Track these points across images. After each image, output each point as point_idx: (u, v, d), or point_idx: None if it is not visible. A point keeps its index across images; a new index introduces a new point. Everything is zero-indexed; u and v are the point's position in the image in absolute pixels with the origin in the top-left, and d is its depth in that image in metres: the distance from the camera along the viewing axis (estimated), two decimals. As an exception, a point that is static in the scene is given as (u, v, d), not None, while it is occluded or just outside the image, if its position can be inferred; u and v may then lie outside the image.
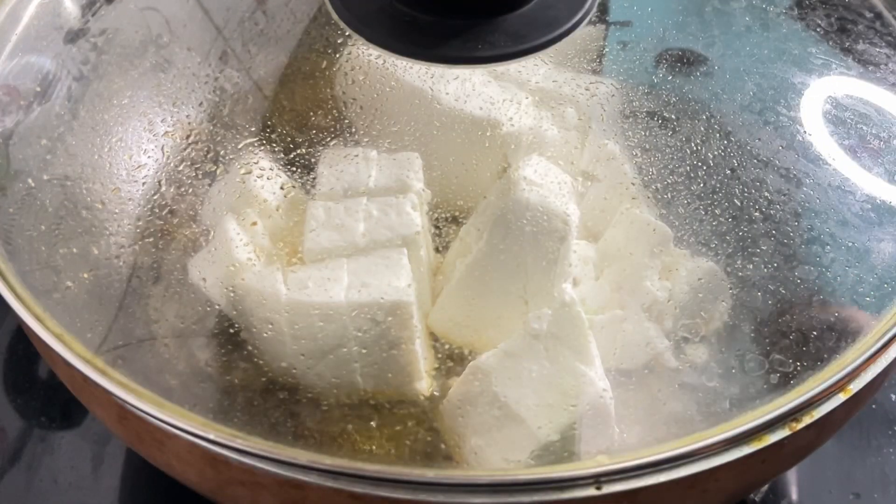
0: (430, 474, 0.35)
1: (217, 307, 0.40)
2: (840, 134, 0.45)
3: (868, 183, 0.44)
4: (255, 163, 0.43)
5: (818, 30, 0.50)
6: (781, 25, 0.50)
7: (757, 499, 0.52)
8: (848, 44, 0.49)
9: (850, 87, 0.48)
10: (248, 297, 0.40)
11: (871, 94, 0.47)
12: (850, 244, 0.42)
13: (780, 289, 0.41)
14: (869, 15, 0.51)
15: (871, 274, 0.42)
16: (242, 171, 0.43)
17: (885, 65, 0.48)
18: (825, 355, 0.39)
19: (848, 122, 0.46)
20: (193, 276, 0.41)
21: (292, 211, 0.43)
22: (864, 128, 0.46)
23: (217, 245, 0.41)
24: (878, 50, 0.49)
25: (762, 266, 0.42)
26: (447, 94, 0.44)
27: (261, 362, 0.39)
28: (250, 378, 0.39)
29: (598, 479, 0.35)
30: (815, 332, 0.40)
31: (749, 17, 0.50)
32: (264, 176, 0.43)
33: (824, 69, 0.48)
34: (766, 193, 0.43)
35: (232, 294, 0.40)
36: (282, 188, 0.43)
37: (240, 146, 0.45)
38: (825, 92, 0.47)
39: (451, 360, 0.41)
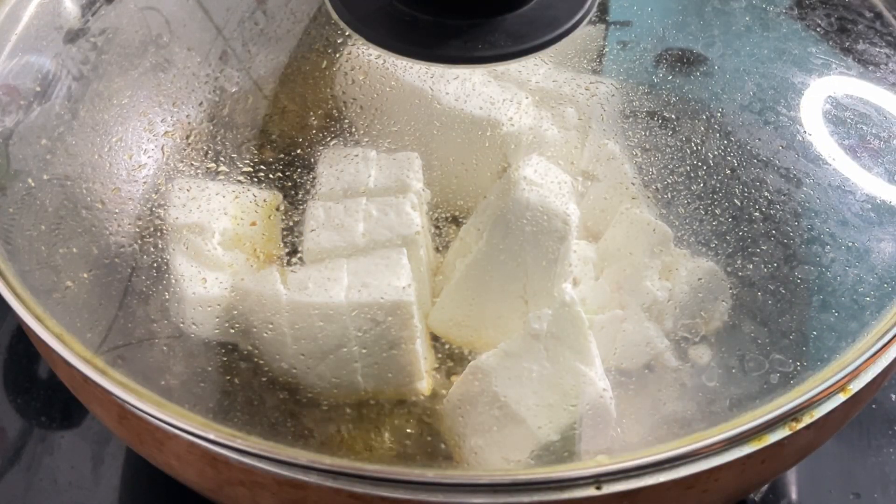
0: (430, 474, 0.35)
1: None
2: (840, 134, 0.45)
3: (868, 183, 0.44)
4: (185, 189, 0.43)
5: (818, 30, 0.50)
6: (781, 25, 0.50)
7: (757, 499, 0.52)
8: (848, 44, 0.49)
9: (850, 87, 0.48)
10: (247, 298, 0.40)
11: (871, 94, 0.47)
12: (850, 244, 0.42)
13: (780, 289, 0.41)
14: (869, 15, 0.51)
15: (871, 274, 0.42)
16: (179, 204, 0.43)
17: (885, 65, 0.48)
18: (825, 355, 0.39)
19: (848, 122, 0.46)
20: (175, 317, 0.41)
21: (248, 214, 0.42)
22: (864, 128, 0.46)
23: (174, 282, 0.41)
24: (878, 50, 0.49)
25: (762, 266, 0.41)
26: (447, 93, 0.44)
27: (261, 362, 0.39)
28: (250, 378, 0.39)
29: (598, 479, 0.35)
30: (815, 332, 0.40)
31: (749, 17, 0.50)
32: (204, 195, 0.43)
33: (824, 69, 0.48)
34: (766, 193, 0.43)
35: (232, 294, 0.40)
36: (236, 197, 0.43)
37: (240, 146, 0.45)
38: (825, 92, 0.47)
39: (451, 360, 0.41)
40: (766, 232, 0.42)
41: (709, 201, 0.43)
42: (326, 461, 0.35)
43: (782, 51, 0.49)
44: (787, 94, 0.47)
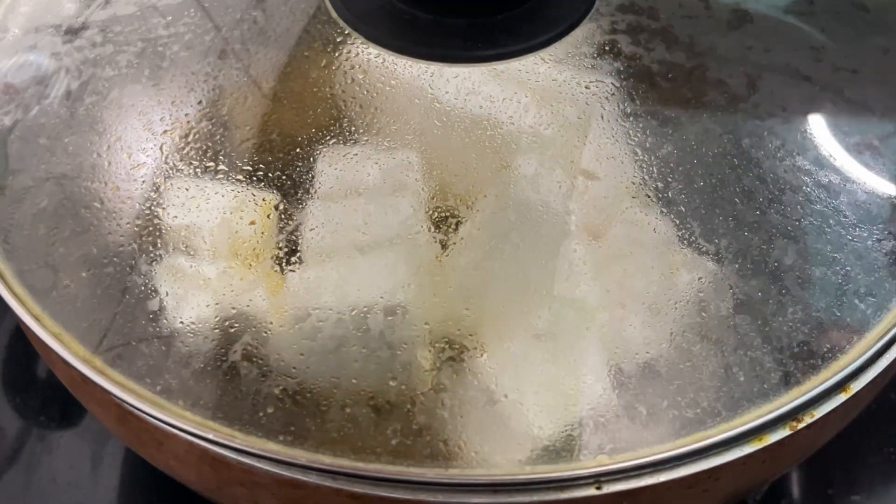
0: (430, 474, 0.35)
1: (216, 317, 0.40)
2: (840, 134, 0.45)
3: (868, 183, 0.44)
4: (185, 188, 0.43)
5: (818, 29, 0.50)
6: (782, 23, 0.50)
7: (757, 499, 0.52)
8: (847, 43, 0.49)
9: (850, 86, 0.47)
10: (247, 298, 0.40)
11: (871, 94, 0.47)
12: (850, 244, 0.42)
13: (781, 289, 0.41)
14: (868, 14, 0.51)
15: (872, 274, 0.41)
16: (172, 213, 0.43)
17: (885, 64, 0.48)
18: (825, 355, 0.39)
19: (848, 122, 0.46)
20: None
21: (247, 214, 0.42)
22: (865, 128, 0.46)
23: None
24: (877, 49, 0.49)
25: (762, 266, 0.41)
26: (447, 92, 0.44)
27: (261, 362, 0.39)
28: (250, 378, 0.39)
29: (598, 479, 0.35)
30: (815, 333, 0.40)
31: (749, 16, 0.50)
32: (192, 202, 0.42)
33: (825, 68, 0.48)
34: (767, 193, 0.43)
35: (231, 294, 0.40)
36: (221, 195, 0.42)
37: (239, 145, 0.45)
38: (825, 92, 0.47)
39: (452, 360, 0.40)
40: (766, 232, 0.42)
41: (709, 201, 0.43)
42: (326, 461, 0.35)
43: (783, 49, 0.49)
44: (787, 93, 0.46)
